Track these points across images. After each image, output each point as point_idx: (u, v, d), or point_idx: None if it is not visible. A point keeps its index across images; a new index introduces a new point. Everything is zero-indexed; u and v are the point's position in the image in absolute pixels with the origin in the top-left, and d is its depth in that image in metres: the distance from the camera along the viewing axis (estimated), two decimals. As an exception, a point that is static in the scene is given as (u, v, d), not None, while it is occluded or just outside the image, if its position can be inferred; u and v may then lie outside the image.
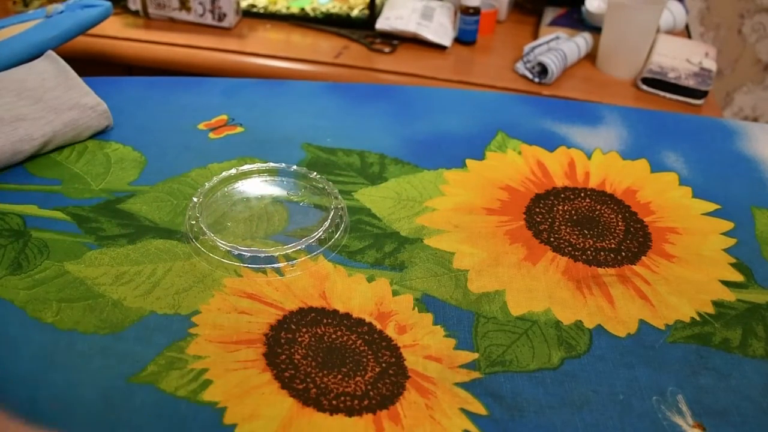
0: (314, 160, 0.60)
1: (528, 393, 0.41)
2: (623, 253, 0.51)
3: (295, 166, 0.57)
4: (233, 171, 0.56)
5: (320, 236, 0.50)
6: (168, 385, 0.40)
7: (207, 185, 0.54)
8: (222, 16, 1.09)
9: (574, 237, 0.53)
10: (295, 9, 1.14)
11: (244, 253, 0.48)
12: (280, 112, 0.67)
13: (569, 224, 0.54)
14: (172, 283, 0.47)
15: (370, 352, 0.43)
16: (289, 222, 0.53)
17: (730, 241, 0.53)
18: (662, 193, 0.58)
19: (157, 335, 0.43)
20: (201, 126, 0.64)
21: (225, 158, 0.59)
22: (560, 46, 1.02)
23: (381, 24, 1.08)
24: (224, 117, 0.65)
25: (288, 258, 0.49)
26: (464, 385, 0.41)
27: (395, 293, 0.47)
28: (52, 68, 0.64)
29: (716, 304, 0.48)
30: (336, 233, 0.51)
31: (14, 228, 0.51)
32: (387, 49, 1.06)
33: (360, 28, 1.12)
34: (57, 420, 0.38)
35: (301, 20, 1.14)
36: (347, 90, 0.71)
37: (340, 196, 0.54)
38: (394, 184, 0.57)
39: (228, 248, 0.49)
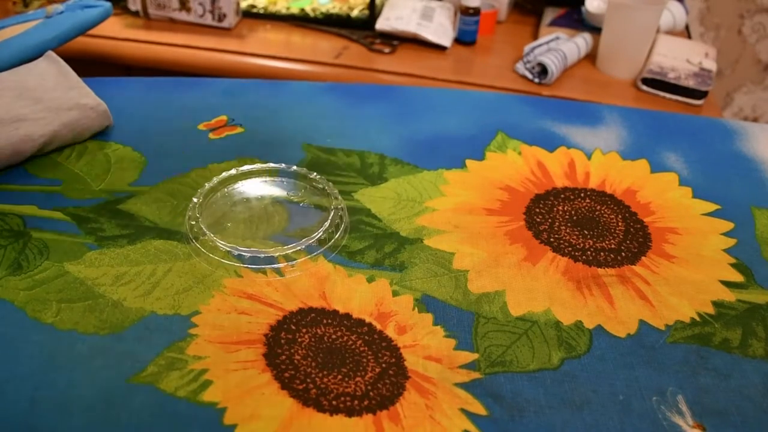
0: (314, 160, 0.60)
1: (528, 393, 0.41)
2: (623, 254, 0.51)
3: (295, 167, 0.57)
4: (233, 171, 0.56)
5: (320, 236, 0.50)
6: (168, 385, 0.40)
7: (207, 186, 0.54)
8: (222, 17, 1.09)
9: (574, 237, 0.52)
10: (295, 9, 1.14)
11: (244, 253, 0.48)
12: (280, 113, 0.67)
13: (569, 224, 0.54)
14: (172, 283, 0.47)
15: (370, 353, 0.43)
16: (289, 222, 0.53)
17: (730, 242, 0.53)
18: (662, 194, 0.58)
19: (157, 336, 0.43)
20: (201, 126, 0.64)
21: (225, 158, 0.59)
22: (560, 47, 1.02)
23: (381, 24, 1.08)
24: (224, 117, 0.65)
25: (288, 258, 0.49)
26: (464, 386, 0.41)
27: (395, 294, 0.47)
28: (52, 69, 0.64)
29: (716, 304, 0.48)
30: (336, 233, 0.51)
31: (14, 228, 0.51)
32: (387, 50, 1.06)
33: (360, 28, 1.12)
34: (57, 420, 0.38)
35: (301, 21, 1.14)
36: (347, 90, 0.71)
37: (340, 197, 0.54)
38: (394, 185, 0.57)
39: (228, 249, 0.49)
